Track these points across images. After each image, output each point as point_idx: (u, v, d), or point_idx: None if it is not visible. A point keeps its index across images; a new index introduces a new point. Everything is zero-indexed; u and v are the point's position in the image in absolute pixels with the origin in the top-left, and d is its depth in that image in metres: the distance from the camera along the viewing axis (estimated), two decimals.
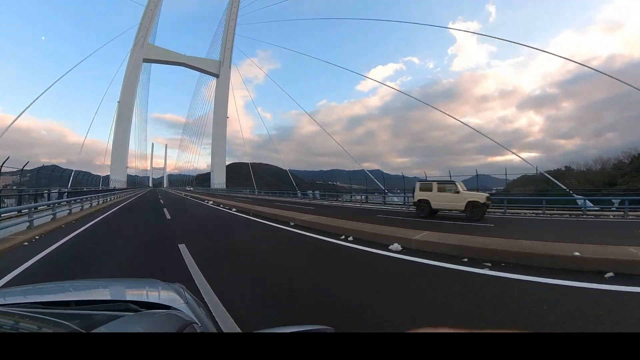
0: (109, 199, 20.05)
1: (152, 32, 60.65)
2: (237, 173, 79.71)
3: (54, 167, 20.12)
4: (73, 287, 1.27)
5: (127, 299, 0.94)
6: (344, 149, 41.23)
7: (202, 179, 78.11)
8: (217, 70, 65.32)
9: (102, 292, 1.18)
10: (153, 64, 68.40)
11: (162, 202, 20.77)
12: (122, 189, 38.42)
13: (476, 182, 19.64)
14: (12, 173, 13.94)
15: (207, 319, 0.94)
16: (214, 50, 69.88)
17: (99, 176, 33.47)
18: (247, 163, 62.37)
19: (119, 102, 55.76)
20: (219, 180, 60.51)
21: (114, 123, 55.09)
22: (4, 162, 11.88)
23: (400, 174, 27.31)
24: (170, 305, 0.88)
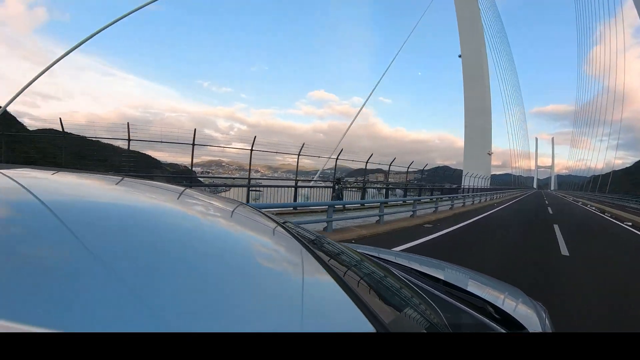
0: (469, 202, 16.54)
1: None
2: None
3: (446, 168, 25.88)
4: (442, 266, 1.45)
5: (485, 298, 0.95)
6: None
7: (603, 183, 56.65)
8: None
9: (466, 281, 1.28)
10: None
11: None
12: (480, 190, 25.43)
13: None
14: (414, 172, 20.22)
15: None
16: None
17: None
18: None
19: (460, 56, 44.48)
20: None
21: (462, 87, 44.27)
22: (410, 165, 17.96)
23: None
24: (524, 325, 0.83)
